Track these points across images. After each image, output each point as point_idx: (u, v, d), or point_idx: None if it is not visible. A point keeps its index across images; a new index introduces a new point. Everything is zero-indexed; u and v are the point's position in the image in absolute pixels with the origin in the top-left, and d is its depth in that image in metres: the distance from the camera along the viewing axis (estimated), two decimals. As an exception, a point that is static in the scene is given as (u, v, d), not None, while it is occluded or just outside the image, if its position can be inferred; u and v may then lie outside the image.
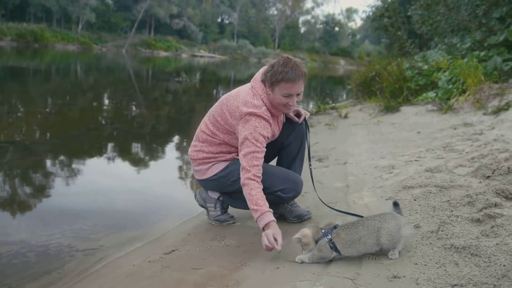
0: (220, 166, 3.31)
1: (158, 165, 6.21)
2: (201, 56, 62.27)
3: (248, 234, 3.18)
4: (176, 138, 8.18)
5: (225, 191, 3.40)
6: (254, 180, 2.92)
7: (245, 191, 2.93)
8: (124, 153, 6.63)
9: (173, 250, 3.10)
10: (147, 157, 6.62)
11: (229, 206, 3.56)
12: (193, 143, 3.44)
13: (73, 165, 5.65)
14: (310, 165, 3.49)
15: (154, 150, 7.11)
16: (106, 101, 12.96)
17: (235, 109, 3.04)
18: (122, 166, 5.86)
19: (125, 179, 5.28)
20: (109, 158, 6.23)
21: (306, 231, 2.59)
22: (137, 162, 6.21)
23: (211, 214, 3.55)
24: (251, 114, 2.98)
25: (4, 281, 2.83)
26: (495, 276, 2.10)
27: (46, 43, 49.16)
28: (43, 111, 9.91)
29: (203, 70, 29.93)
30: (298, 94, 3.01)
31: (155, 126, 9.26)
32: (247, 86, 3.17)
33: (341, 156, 5.62)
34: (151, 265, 2.89)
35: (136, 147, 7.15)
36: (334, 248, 2.52)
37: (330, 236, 2.53)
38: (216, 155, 3.30)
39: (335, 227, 2.56)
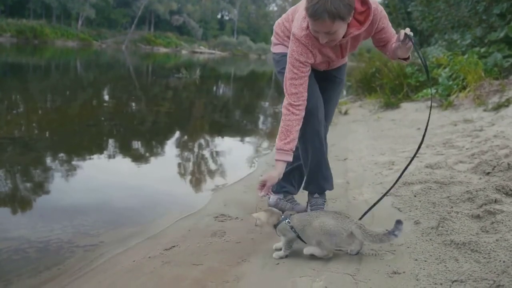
0: (281, 49, 3.23)
1: (158, 161, 6.20)
2: (201, 53, 62.22)
3: (248, 230, 3.18)
4: (176, 134, 8.17)
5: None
6: (287, 109, 2.90)
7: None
8: (124, 149, 6.63)
9: (173, 246, 3.10)
10: (147, 153, 6.61)
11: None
12: (284, 14, 3.27)
13: (73, 162, 5.64)
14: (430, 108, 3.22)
15: (154, 146, 7.10)
16: (106, 98, 12.94)
17: (295, 21, 2.87)
18: (122, 162, 5.85)
19: (125, 175, 5.27)
20: (108, 155, 6.22)
21: (261, 215, 2.67)
22: (137, 158, 6.20)
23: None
24: (293, 35, 2.82)
25: (4, 276, 2.83)
26: (495, 272, 2.10)
27: (46, 40, 49.09)
28: (42, 107, 9.90)
29: (203, 67, 29.92)
30: (329, 33, 2.60)
31: (155, 122, 9.25)
32: None
33: (341, 152, 5.62)
34: (151, 261, 2.89)
35: (136, 143, 7.15)
36: (293, 229, 2.57)
37: (288, 220, 2.60)
38: (285, 38, 3.17)
39: (291, 215, 2.65)
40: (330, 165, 3.35)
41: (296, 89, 2.88)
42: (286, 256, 2.66)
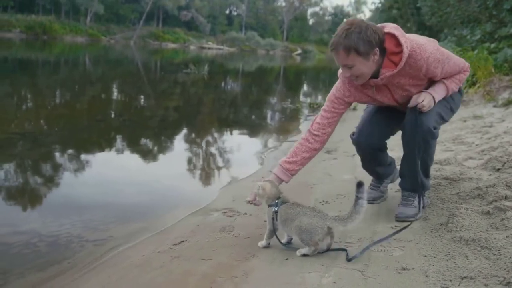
0: None
1: (167, 156, 6.22)
2: (209, 48, 62.16)
3: (256, 226, 3.18)
4: (184, 130, 8.18)
5: None
6: (306, 134, 3.00)
7: None
8: (133, 144, 6.64)
9: (182, 241, 3.11)
10: (156, 149, 6.63)
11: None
12: None
13: (82, 157, 5.67)
14: None
15: (162, 142, 7.11)
16: (115, 93, 12.98)
17: None
18: (131, 158, 5.87)
19: (134, 170, 5.29)
20: (117, 150, 6.24)
21: (267, 186, 2.72)
22: (146, 154, 6.21)
23: None
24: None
25: (15, 270, 2.86)
26: (505, 269, 2.10)
27: (55, 35, 49.19)
28: (51, 102, 9.96)
29: (211, 62, 29.95)
30: (349, 67, 2.67)
31: (164, 117, 9.27)
32: None
33: (349, 148, 5.57)
34: (160, 255, 2.90)
35: (145, 139, 7.16)
36: (276, 219, 2.65)
37: (276, 209, 2.65)
38: None
39: (285, 202, 2.68)
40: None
41: (321, 121, 2.96)
42: (269, 244, 2.75)
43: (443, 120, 3.00)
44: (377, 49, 2.60)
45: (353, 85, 2.89)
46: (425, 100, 2.77)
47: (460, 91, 3.09)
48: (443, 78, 2.87)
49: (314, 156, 3.03)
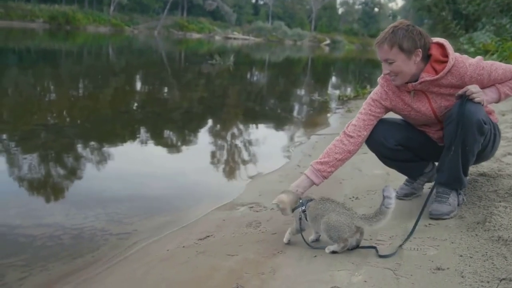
0: None
1: (192, 150, 6.18)
2: (234, 38, 62.06)
3: (284, 221, 3.12)
4: (209, 123, 8.14)
5: None
6: (340, 135, 3.00)
7: None
8: (157, 137, 6.64)
9: (208, 236, 3.08)
10: (181, 141, 6.62)
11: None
12: None
13: (106, 149, 5.67)
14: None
15: (187, 135, 7.10)
16: (138, 84, 13.05)
17: None
18: (155, 151, 5.86)
19: (159, 163, 5.28)
20: (141, 142, 6.23)
21: (283, 198, 2.69)
22: (171, 146, 6.21)
23: None
24: None
25: (39, 262, 2.86)
26: (546, 271, 2.00)
27: (78, 25, 49.42)
28: (75, 94, 10.03)
29: (237, 53, 29.90)
30: (389, 62, 2.71)
31: (188, 109, 9.27)
32: None
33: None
34: (185, 250, 2.87)
35: (169, 131, 7.16)
36: (306, 218, 2.62)
37: (304, 208, 2.61)
38: None
39: (310, 200, 2.64)
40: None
41: (357, 123, 2.97)
42: (289, 241, 2.71)
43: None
44: (420, 50, 2.65)
45: (391, 88, 2.90)
46: (475, 88, 2.65)
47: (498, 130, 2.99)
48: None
49: (347, 159, 2.96)
